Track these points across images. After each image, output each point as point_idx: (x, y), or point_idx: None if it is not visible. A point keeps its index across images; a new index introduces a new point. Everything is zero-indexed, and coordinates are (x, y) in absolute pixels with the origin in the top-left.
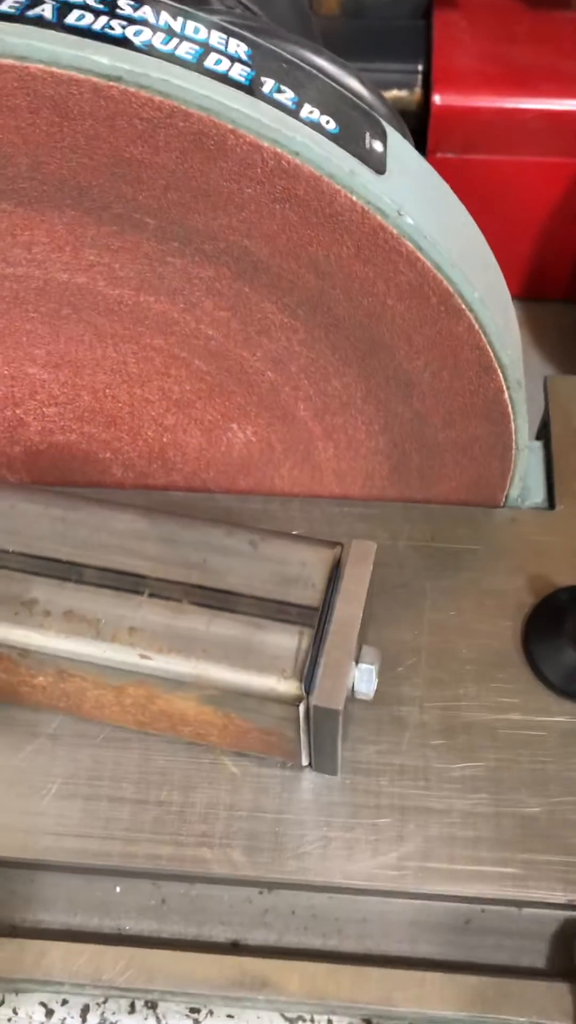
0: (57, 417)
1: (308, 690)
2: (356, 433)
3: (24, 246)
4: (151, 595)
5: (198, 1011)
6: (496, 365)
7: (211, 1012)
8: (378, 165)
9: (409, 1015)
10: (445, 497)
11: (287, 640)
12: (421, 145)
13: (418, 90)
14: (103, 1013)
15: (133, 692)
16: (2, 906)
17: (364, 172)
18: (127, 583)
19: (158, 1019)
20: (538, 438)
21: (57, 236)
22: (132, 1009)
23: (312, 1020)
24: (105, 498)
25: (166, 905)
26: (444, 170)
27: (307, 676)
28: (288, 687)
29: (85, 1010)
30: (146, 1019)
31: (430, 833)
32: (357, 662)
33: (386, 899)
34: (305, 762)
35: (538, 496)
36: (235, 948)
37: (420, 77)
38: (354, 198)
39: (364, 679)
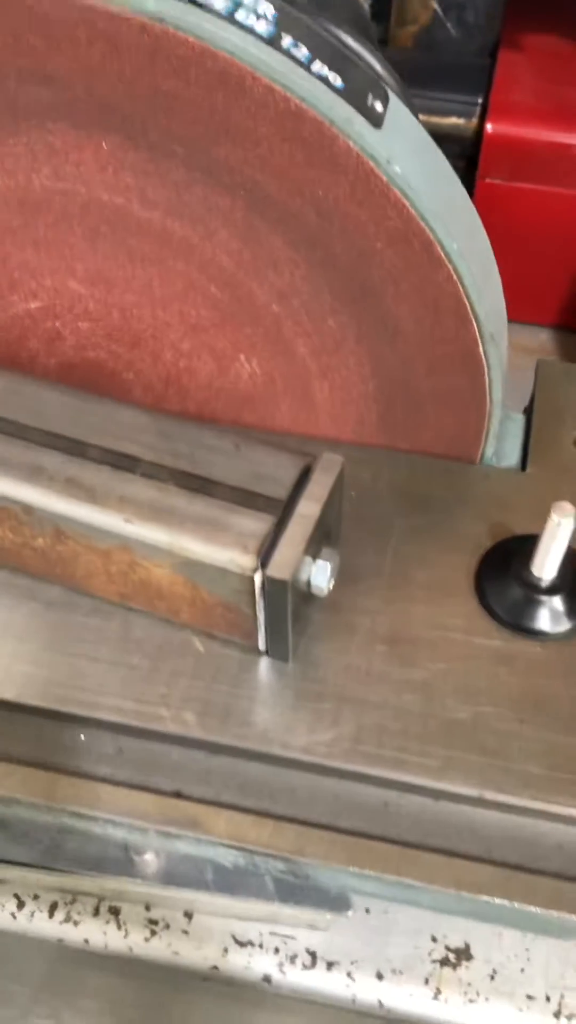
0: (89, 333)
1: (263, 565)
2: (349, 375)
3: (74, 164)
4: (142, 475)
5: (156, 922)
6: (472, 316)
7: (168, 925)
8: (376, 120)
9: (320, 866)
10: (426, 448)
11: (252, 523)
12: (472, 171)
13: (475, 120)
14: (68, 912)
15: (117, 558)
16: None
17: (361, 122)
18: (123, 463)
19: (119, 924)
20: (525, 413)
21: (101, 157)
22: (96, 912)
23: (261, 944)
24: None
25: (122, 755)
26: (492, 196)
27: (264, 554)
28: (246, 560)
29: (53, 907)
30: (107, 923)
31: (363, 722)
32: (315, 558)
33: (317, 776)
34: (262, 647)
35: (512, 459)
36: (177, 796)
37: (479, 109)
38: (351, 143)
39: (319, 574)
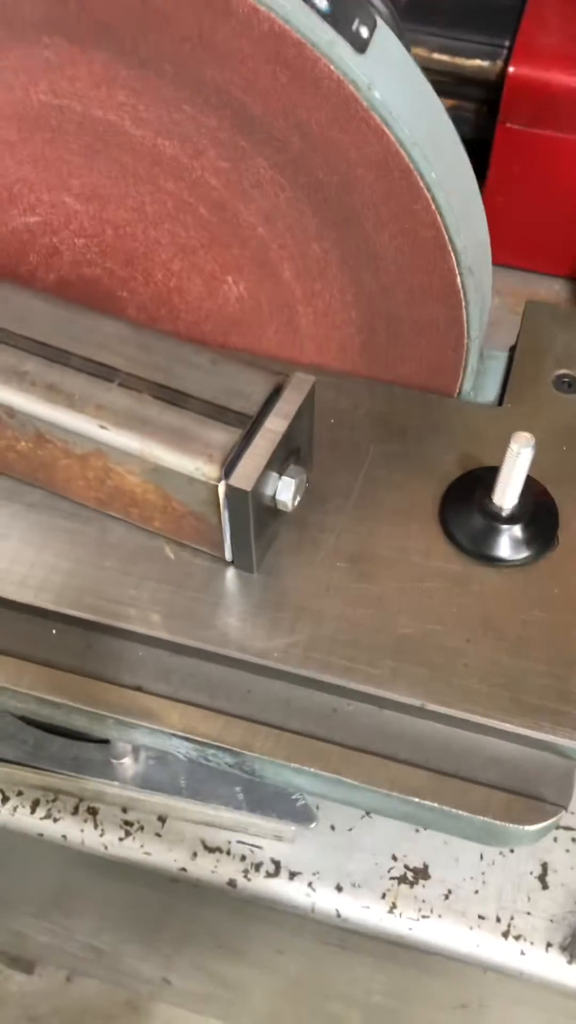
0: (85, 249)
1: (227, 475)
2: (332, 301)
3: (69, 80)
4: (120, 384)
5: (131, 824)
6: (450, 248)
7: (142, 827)
8: (360, 46)
9: (264, 761)
10: (407, 380)
11: (220, 435)
12: (494, 116)
13: (500, 63)
14: (49, 809)
15: (93, 463)
16: None
17: (343, 46)
18: (103, 372)
19: (96, 824)
20: (509, 352)
21: (95, 74)
22: (75, 811)
23: (229, 852)
24: None
25: (91, 650)
26: (513, 142)
27: (228, 465)
28: (211, 469)
29: (35, 803)
30: (85, 821)
31: (318, 631)
32: (281, 474)
33: (271, 679)
34: (228, 557)
35: (490, 395)
36: (138, 690)
37: (505, 51)
38: (332, 67)
39: (284, 489)
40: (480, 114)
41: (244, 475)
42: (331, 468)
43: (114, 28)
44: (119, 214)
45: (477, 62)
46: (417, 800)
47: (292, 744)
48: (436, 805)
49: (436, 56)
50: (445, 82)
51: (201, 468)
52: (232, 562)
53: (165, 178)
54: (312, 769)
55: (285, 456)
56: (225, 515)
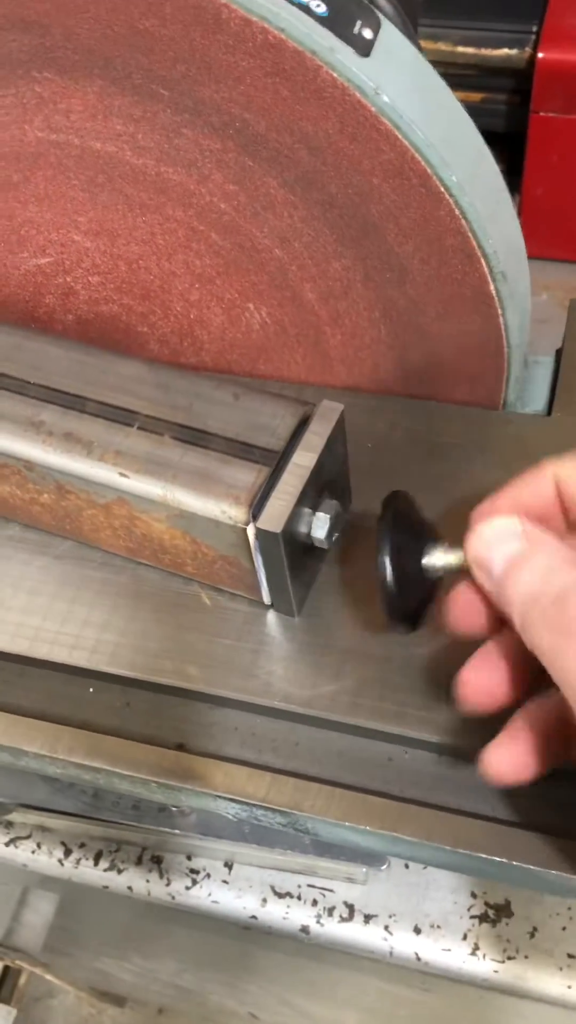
0: (100, 287)
1: (255, 516)
2: (359, 320)
3: (64, 113)
4: (139, 428)
5: (197, 872)
6: (479, 254)
7: (208, 875)
8: (364, 49)
9: (315, 820)
10: (446, 395)
11: (246, 475)
12: (526, 106)
13: (528, 49)
14: (113, 860)
15: (117, 512)
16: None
17: (345, 51)
18: (121, 416)
19: (161, 873)
20: (556, 355)
21: (89, 104)
22: (139, 860)
23: (299, 896)
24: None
25: (130, 708)
26: (547, 130)
27: (256, 505)
28: (237, 512)
29: (98, 855)
30: (150, 871)
31: (366, 676)
32: (315, 510)
33: (318, 729)
34: (267, 600)
35: (538, 404)
36: (180, 749)
37: (532, 37)
38: (335, 75)
39: (319, 526)
40: (512, 105)
41: (273, 516)
42: (372, 496)
43: (103, 55)
44: (130, 248)
45: (504, 51)
46: (484, 856)
47: (345, 801)
48: (505, 860)
49: (461, 49)
50: (472, 75)
51: (227, 511)
52: (271, 605)
53: (173, 207)
54: (368, 828)
55: (318, 491)
56: (258, 558)
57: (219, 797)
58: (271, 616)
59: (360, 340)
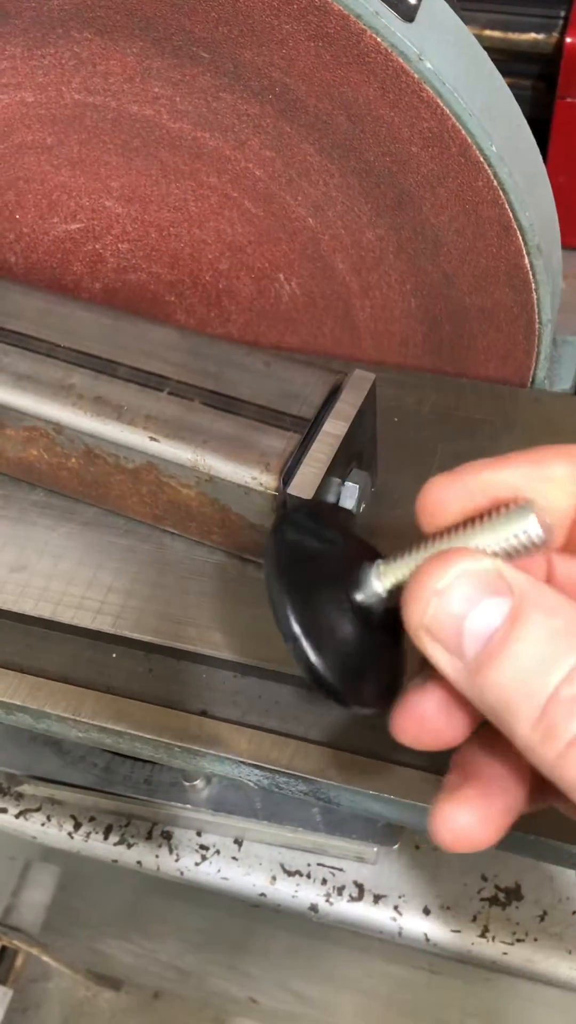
0: (129, 254)
1: (285, 482)
2: (390, 292)
3: (102, 76)
4: (170, 393)
5: (207, 848)
6: (515, 226)
7: (218, 851)
8: (408, 14)
9: (338, 788)
10: (475, 371)
11: (277, 442)
12: (552, 92)
13: (555, 35)
14: (123, 834)
15: (145, 477)
16: (16, 654)
17: (390, 15)
18: (152, 381)
19: (170, 849)
20: None
21: (128, 67)
22: (149, 836)
23: (309, 875)
24: None
25: (153, 674)
26: (572, 116)
27: (287, 472)
28: (268, 478)
29: (108, 829)
30: (160, 846)
31: None
32: (343, 480)
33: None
34: None
35: (567, 383)
36: (203, 715)
37: (560, 23)
38: (379, 39)
39: (347, 496)
40: (537, 91)
41: (304, 483)
42: (398, 469)
43: (145, 15)
44: (162, 215)
45: (532, 36)
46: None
47: (371, 770)
48: (533, 837)
49: (488, 33)
50: (499, 59)
51: (258, 477)
52: None
53: (207, 173)
54: (393, 796)
55: (347, 460)
56: None
57: (242, 763)
58: None
59: (390, 313)
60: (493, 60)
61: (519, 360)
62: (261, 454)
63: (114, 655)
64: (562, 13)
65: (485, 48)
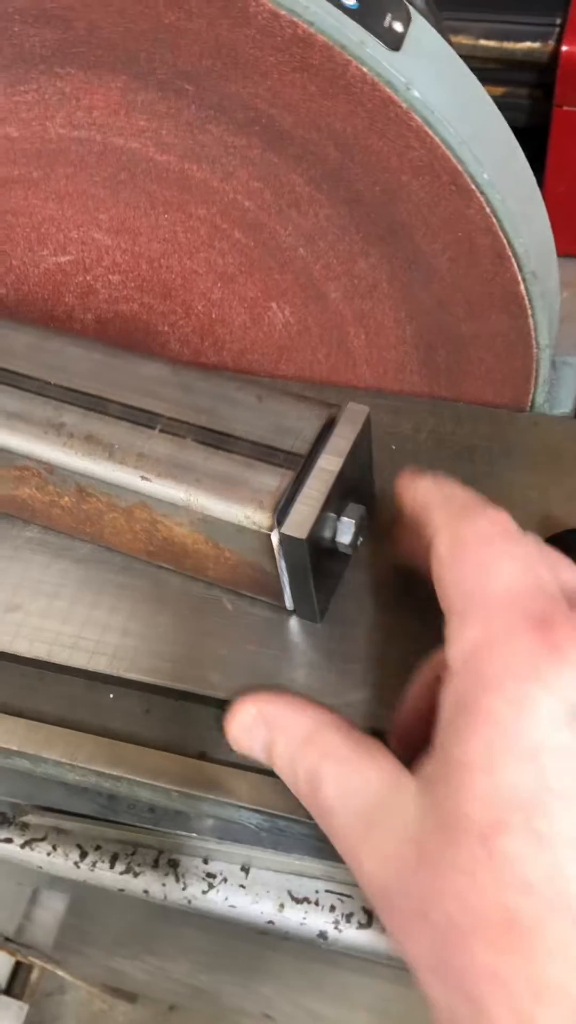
0: (121, 285)
1: (279, 521)
2: (384, 320)
3: (86, 110)
4: (161, 430)
5: (214, 876)
6: (510, 253)
7: (225, 879)
8: (394, 43)
9: None
10: (473, 396)
11: (270, 479)
12: (550, 100)
13: (551, 43)
14: (129, 863)
15: (139, 515)
16: (12, 696)
17: (375, 45)
18: (143, 419)
19: (177, 877)
20: None
21: (112, 100)
22: (156, 864)
23: (317, 902)
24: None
25: (150, 715)
26: (571, 125)
27: (281, 510)
28: (262, 517)
29: (114, 857)
30: (167, 875)
31: (390, 683)
32: (340, 515)
33: None
34: (290, 606)
35: (566, 406)
36: (201, 757)
37: (556, 30)
38: (364, 69)
39: (344, 531)
40: (534, 99)
41: (298, 522)
42: (392, 499)
43: (127, 49)
44: (152, 246)
45: (527, 44)
46: None
47: None
48: None
49: (483, 42)
50: (494, 69)
51: (251, 516)
52: (294, 611)
53: (196, 204)
54: None
55: (343, 495)
56: (282, 564)
57: (242, 808)
58: (294, 622)
59: (385, 340)
60: (489, 69)
61: (517, 385)
62: (254, 492)
63: (111, 696)
64: (558, 21)
65: (481, 58)
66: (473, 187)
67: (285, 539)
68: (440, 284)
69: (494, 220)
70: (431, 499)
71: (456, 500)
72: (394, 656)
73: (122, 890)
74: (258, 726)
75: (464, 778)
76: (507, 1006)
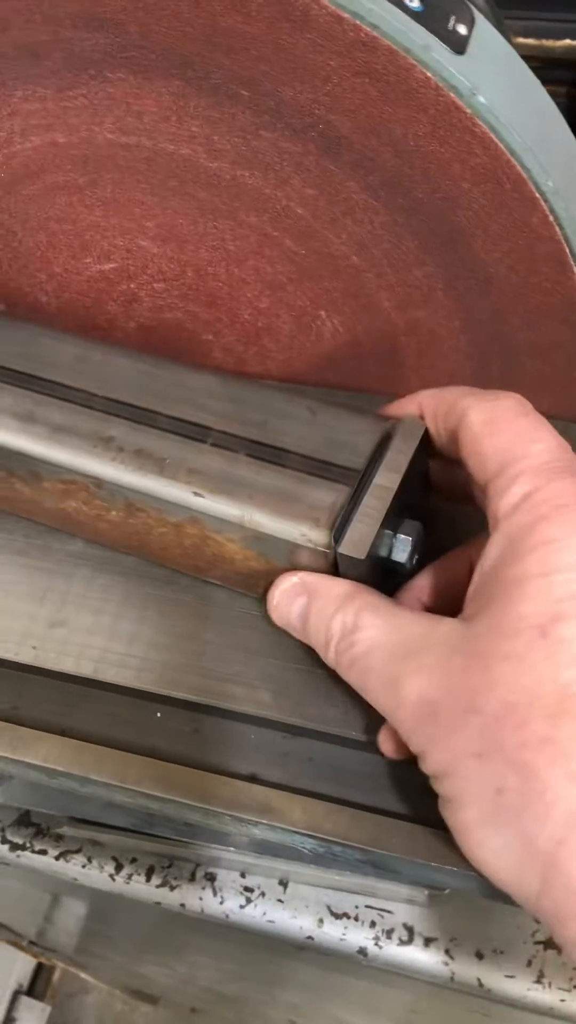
0: (165, 294)
1: (337, 539)
2: (437, 329)
3: (136, 115)
4: (213, 444)
5: (251, 890)
6: (571, 261)
7: (263, 893)
8: (458, 46)
9: (399, 858)
10: None
11: (326, 495)
12: None
13: None
14: (165, 876)
15: (189, 531)
16: (58, 714)
17: (440, 49)
18: (193, 432)
19: (214, 891)
20: None
21: (164, 106)
22: (192, 877)
23: (357, 917)
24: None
25: (199, 735)
26: None
27: (338, 528)
28: (319, 535)
29: (150, 870)
30: (204, 888)
31: None
32: (396, 532)
33: (402, 762)
34: None
35: None
36: (252, 780)
37: None
38: (429, 74)
39: (400, 549)
40: (572, 98)
41: (356, 541)
42: (450, 515)
43: (181, 54)
44: (199, 254)
45: (567, 42)
46: None
47: (432, 841)
48: None
49: (521, 40)
50: (533, 67)
51: (307, 534)
52: None
53: (247, 212)
54: (457, 868)
55: (399, 511)
56: None
57: (296, 833)
58: None
59: (437, 350)
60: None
61: (573, 394)
62: (310, 508)
63: (158, 714)
64: None
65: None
66: (537, 195)
67: (343, 558)
68: (498, 293)
69: (557, 228)
70: (449, 393)
71: (474, 390)
72: None
73: (158, 903)
74: (299, 593)
75: (519, 589)
76: (561, 767)
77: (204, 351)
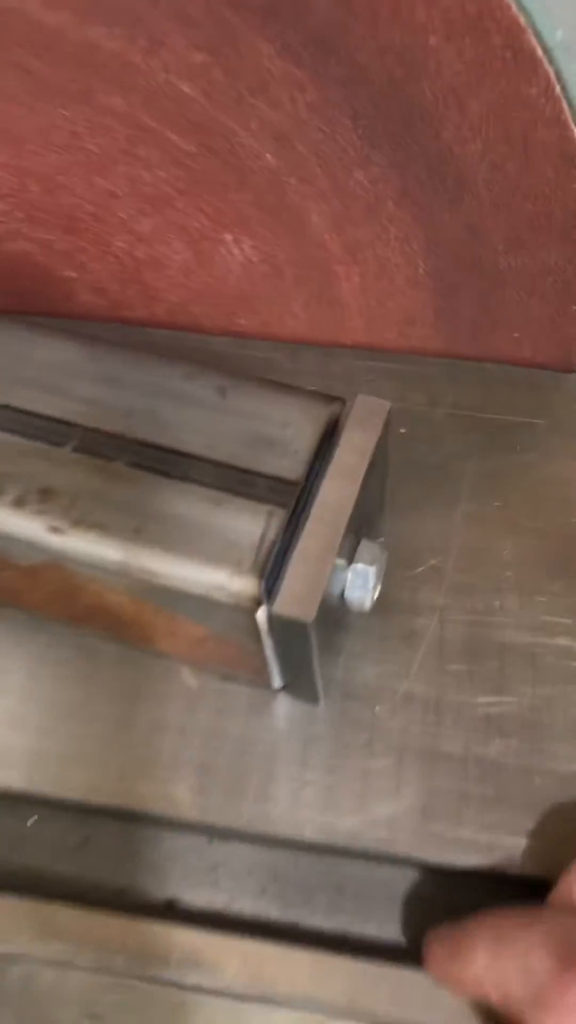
0: (4, 216)
1: (270, 591)
2: (389, 254)
3: None
4: (76, 449)
5: None
6: None
7: None
8: None
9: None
10: (505, 354)
11: (250, 523)
12: None
13: None
14: None
15: (49, 577)
16: None
17: None
18: (47, 431)
19: None
20: None
21: None
22: None
23: None
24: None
25: (89, 846)
26: None
27: (271, 572)
28: (242, 585)
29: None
30: None
31: (436, 784)
32: (350, 561)
33: (371, 864)
34: (278, 685)
35: None
36: (169, 910)
37: None
38: None
39: (359, 584)
40: None
41: (297, 594)
42: (411, 507)
43: None
44: (45, 158)
45: None
46: None
47: (422, 990)
48: None
49: None
50: None
51: (225, 586)
52: (283, 689)
53: (107, 91)
54: None
55: (355, 531)
56: (269, 643)
57: (240, 998)
58: (284, 700)
59: (389, 282)
60: None
61: (567, 339)
62: (228, 545)
63: (30, 822)
64: None
65: None
66: (539, 54)
67: (277, 619)
68: (474, 202)
69: (565, 107)
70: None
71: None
72: (435, 745)
73: None
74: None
75: None
76: None
77: (65, 293)
